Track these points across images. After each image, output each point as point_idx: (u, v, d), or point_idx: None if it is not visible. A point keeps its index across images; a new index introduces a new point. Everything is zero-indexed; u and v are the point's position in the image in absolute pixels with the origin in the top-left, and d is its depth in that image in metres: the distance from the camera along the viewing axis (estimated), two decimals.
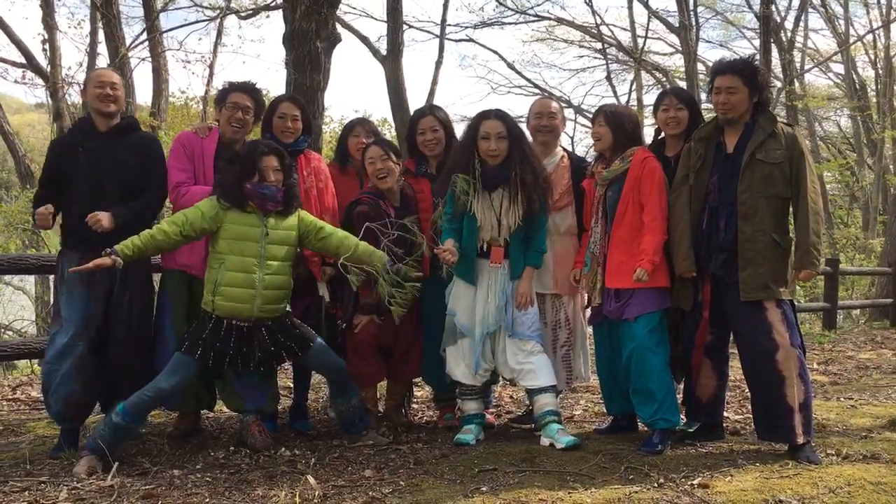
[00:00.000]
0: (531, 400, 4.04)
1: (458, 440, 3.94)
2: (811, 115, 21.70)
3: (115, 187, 3.88)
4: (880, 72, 19.28)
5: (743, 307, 3.69)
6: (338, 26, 6.42)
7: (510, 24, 21.80)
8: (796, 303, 3.91)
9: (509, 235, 3.92)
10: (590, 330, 4.35)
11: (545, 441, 3.84)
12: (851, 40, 19.73)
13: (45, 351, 3.87)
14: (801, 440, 3.60)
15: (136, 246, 3.59)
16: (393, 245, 3.90)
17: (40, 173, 4.04)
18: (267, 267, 3.72)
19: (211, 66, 15.43)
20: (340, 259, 3.83)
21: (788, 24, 19.09)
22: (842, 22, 20.38)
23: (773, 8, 15.48)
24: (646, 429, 3.99)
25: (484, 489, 3.14)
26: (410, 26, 18.01)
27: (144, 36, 13.42)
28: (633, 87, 21.45)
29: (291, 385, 4.65)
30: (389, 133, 14.71)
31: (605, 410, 4.41)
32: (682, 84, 16.89)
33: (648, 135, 4.59)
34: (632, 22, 20.35)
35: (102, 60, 13.14)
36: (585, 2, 19.38)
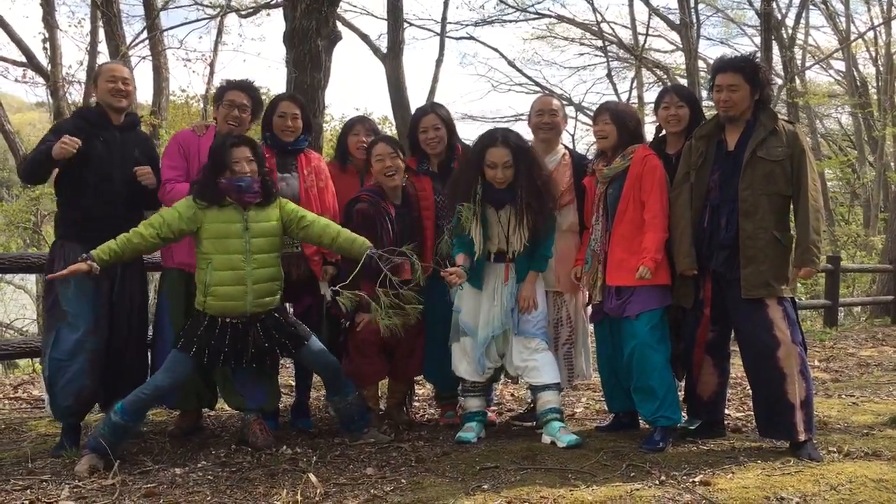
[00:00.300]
0: (534, 397, 4.04)
1: (459, 438, 3.94)
2: (812, 113, 21.67)
3: (123, 181, 3.90)
4: (881, 69, 19.24)
5: (744, 304, 3.69)
6: (338, 24, 6.41)
7: (511, 21, 21.83)
8: (797, 300, 3.91)
9: (521, 249, 3.92)
10: (591, 327, 4.35)
11: (547, 439, 3.84)
12: (852, 37, 19.70)
13: (49, 345, 3.79)
14: (802, 437, 3.60)
15: (113, 250, 3.55)
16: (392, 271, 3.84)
17: (38, 143, 3.91)
18: (254, 261, 3.69)
19: (211, 65, 15.42)
20: (326, 247, 3.86)
21: (789, 22, 19.09)
22: (843, 19, 20.37)
23: (774, 5, 15.46)
24: (647, 426, 3.99)
25: (485, 487, 3.14)
26: (411, 24, 18.01)
27: (145, 34, 13.41)
28: (634, 84, 21.45)
29: (293, 383, 4.65)
30: (390, 131, 14.70)
31: (606, 408, 4.41)
32: (683, 81, 16.87)
33: (649, 132, 4.58)
34: (632, 19, 20.36)
35: (103, 59, 13.13)
36: None
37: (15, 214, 13.11)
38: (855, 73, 20.37)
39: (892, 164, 20.04)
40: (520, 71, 23.09)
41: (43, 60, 12.96)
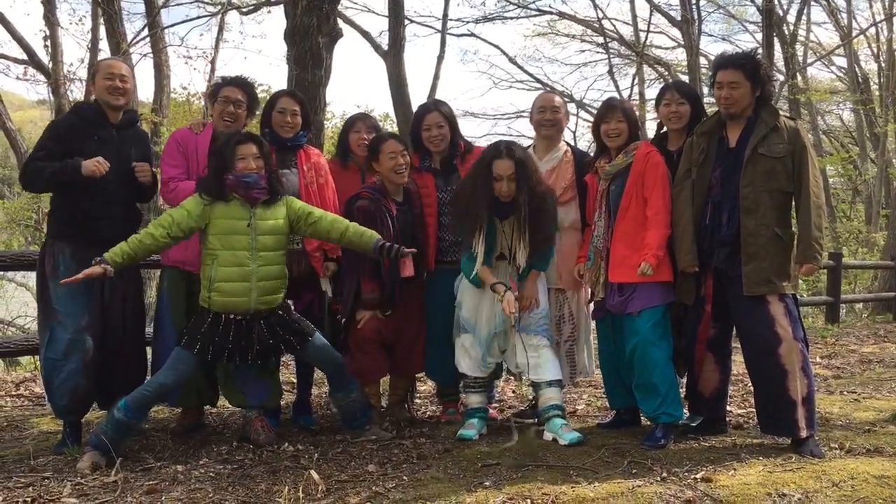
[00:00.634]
0: (536, 393, 4.05)
1: (460, 435, 3.94)
2: (814, 109, 21.63)
3: (119, 181, 3.86)
4: (883, 65, 19.20)
5: (746, 301, 3.69)
6: (339, 21, 6.41)
7: (512, 18, 21.79)
8: (799, 297, 3.91)
9: (525, 262, 3.92)
10: (593, 324, 4.35)
11: (548, 436, 3.85)
12: (854, 34, 19.65)
13: (44, 345, 3.79)
14: (804, 434, 3.60)
15: (126, 252, 3.55)
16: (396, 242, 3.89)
17: (35, 149, 3.89)
18: (260, 258, 3.70)
19: (212, 62, 15.41)
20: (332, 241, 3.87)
21: (791, 18, 19.06)
22: (844, 15, 20.30)
23: (776, 1, 15.43)
24: (649, 423, 3.99)
25: (487, 484, 3.14)
26: (412, 21, 18.01)
27: (146, 32, 13.40)
28: (636, 81, 21.42)
29: (294, 380, 4.66)
30: (391, 128, 14.69)
31: (607, 405, 4.41)
32: (685, 78, 16.84)
33: (651, 129, 4.57)
34: (634, 16, 20.32)
35: (104, 57, 13.13)
36: None
37: (16, 212, 13.11)
38: (856, 69, 20.31)
39: (893, 160, 19.99)
40: (521, 68, 23.10)
41: (44, 58, 12.95)
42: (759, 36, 15.74)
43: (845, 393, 5.25)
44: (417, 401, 4.89)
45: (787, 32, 18.31)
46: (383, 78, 13.57)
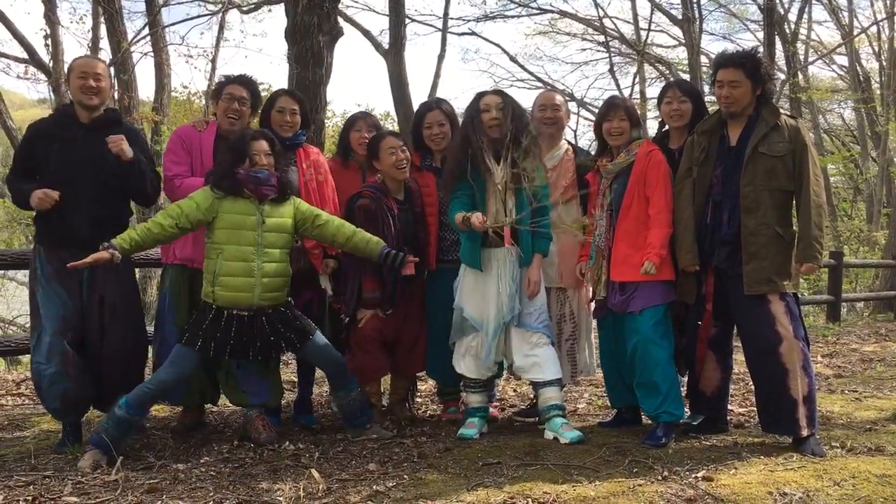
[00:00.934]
0: (536, 393, 4.04)
1: (461, 434, 3.94)
2: (815, 108, 21.61)
3: (90, 184, 3.75)
4: (884, 63, 19.17)
5: (746, 300, 3.68)
6: (340, 20, 6.40)
7: (513, 17, 21.74)
8: (800, 295, 3.90)
9: (516, 219, 3.87)
10: (594, 323, 4.34)
11: (549, 435, 3.84)
12: (855, 32, 19.61)
13: (33, 348, 3.79)
14: (805, 433, 3.59)
15: (133, 239, 3.57)
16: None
17: (13, 161, 3.88)
18: (265, 255, 3.71)
19: (213, 61, 15.36)
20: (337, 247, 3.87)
21: (792, 17, 19.00)
22: (846, 14, 20.27)
23: (777, 0, 15.41)
24: (650, 422, 3.99)
25: (487, 483, 3.14)
26: (413, 20, 17.97)
27: (146, 31, 13.39)
28: (637, 79, 21.38)
29: (295, 379, 4.66)
30: (392, 127, 14.68)
31: (608, 404, 4.41)
32: (686, 77, 16.82)
33: (652, 128, 4.57)
34: (635, 14, 20.29)
35: (104, 55, 13.13)
36: None
37: (17, 211, 13.09)
38: (858, 68, 20.27)
39: (895, 159, 19.98)
40: (522, 67, 23.16)
41: (45, 57, 12.94)
42: (761, 34, 15.70)
43: (846, 392, 5.25)
44: (418, 400, 4.89)
45: (788, 31, 18.28)
46: (384, 77, 13.56)
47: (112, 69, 12.81)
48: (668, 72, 20.27)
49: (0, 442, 4.04)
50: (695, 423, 4.05)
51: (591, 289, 4.23)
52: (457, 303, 4.03)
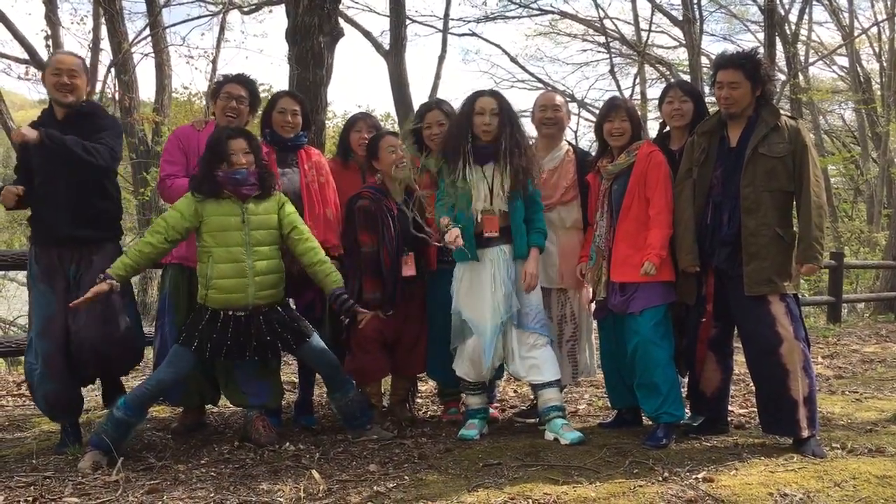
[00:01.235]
0: (535, 394, 4.04)
1: (462, 435, 3.94)
2: (815, 109, 21.61)
3: (67, 180, 3.69)
4: (885, 64, 19.18)
5: (747, 301, 3.68)
6: (340, 21, 6.40)
7: (513, 18, 21.78)
8: (800, 296, 3.90)
9: (506, 207, 3.90)
10: (595, 324, 4.34)
11: (549, 436, 3.84)
12: (856, 33, 19.63)
13: (26, 349, 3.81)
14: (805, 434, 3.59)
15: (127, 265, 3.58)
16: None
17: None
18: (255, 254, 3.70)
19: (214, 62, 15.38)
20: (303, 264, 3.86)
21: (793, 18, 19.02)
22: (846, 15, 20.29)
23: (778, 1, 15.41)
24: (650, 423, 3.99)
25: (488, 484, 3.14)
26: (413, 21, 18.01)
27: (147, 31, 13.42)
28: (637, 80, 21.40)
29: (296, 380, 4.66)
30: (393, 128, 14.68)
31: (609, 404, 4.41)
32: (686, 78, 16.83)
33: (653, 128, 4.57)
34: (635, 15, 20.32)
35: (105, 56, 13.15)
36: None
37: (18, 212, 13.08)
38: (858, 69, 20.29)
39: (895, 159, 19.98)
40: (522, 67, 23.22)
41: (45, 58, 12.95)
42: (761, 35, 15.72)
43: (847, 393, 5.24)
44: (419, 400, 4.89)
45: (788, 32, 18.29)
46: (385, 78, 13.59)
47: (113, 70, 12.89)
48: (668, 73, 20.28)
49: (1, 443, 4.04)
50: (695, 424, 4.05)
51: (591, 289, 4.23)
52: (454, 307, 4.02)
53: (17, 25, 13.07)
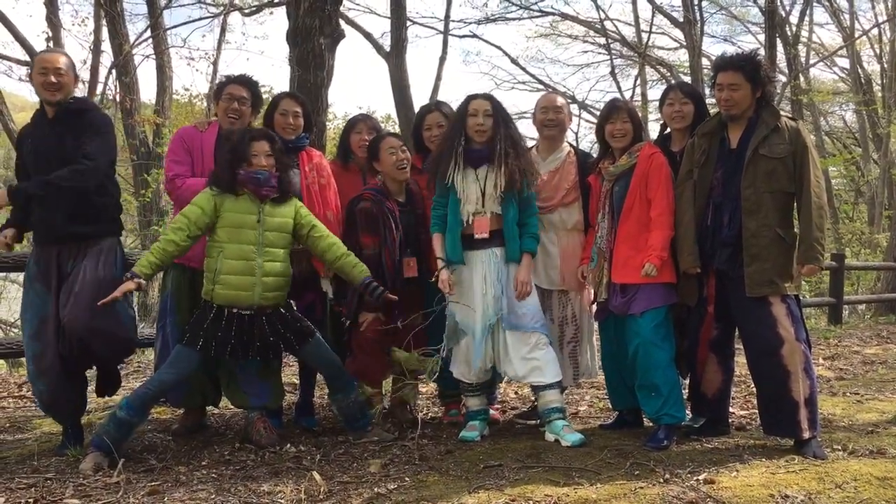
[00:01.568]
0: (536, 396, 4.04)
1: (462, 436, 3.94)
2: (816, 110, 21.61)
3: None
4: (885, 66, 19.17)
5: (748, 302, 3.68)
6: (341, 23, 6.41)
7: (514, 19, 21.84)
8: (801, 297, 3.90)
9: (499, 210, 3.90)
10: (596, 325, 4.34)
11: (550, 437, 3.84)
12: (857, 34, 19.64)
13: (25, 350, 3.80)
14: (806, 435, 3.59)
15: (152, 262, 3.62)
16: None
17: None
18: (266, 254, 3.72)
19: (215, 63, 15.42)
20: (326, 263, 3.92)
21: (793, 19, 19.05)
22: (847, 16, 20.29)
23: (778, 2, 15.41)
24: (651, 424, 3.99)
25: (489, 485, 3.14)
26: (414, 22, 18.04)
27: (148, 33, 13.43)
28: (638, 82, 21.43)
29: (296, 381, 4.66)
30: (394, 129, 14.69)
31: (610, 406, 4.40)
32: (687, 79, 16.84)
33: (654, 130, 4.57)
34: (636, 17, 20.34)
35: (106, 58, 13.16)
36: None
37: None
38: (859, 70, 20.29)
39: None
40: (523, 69, 23.14)
41: None
42: (762, 37, 15.73)
43: (848, 394, 5.24)
44: (419, 402, 4.89)
45: (789, 33, 18.30)
46: (385, 79, 13.60)
47: (114, 71, 12.90)
48: (669, 74, 20.28)
49: (2, 444, 4.04)
50: (696, 426, 4.05)
51: (592, 291, 4.23)
52: (449, 309, 4.02)
53: (18, 27, 13.10)
